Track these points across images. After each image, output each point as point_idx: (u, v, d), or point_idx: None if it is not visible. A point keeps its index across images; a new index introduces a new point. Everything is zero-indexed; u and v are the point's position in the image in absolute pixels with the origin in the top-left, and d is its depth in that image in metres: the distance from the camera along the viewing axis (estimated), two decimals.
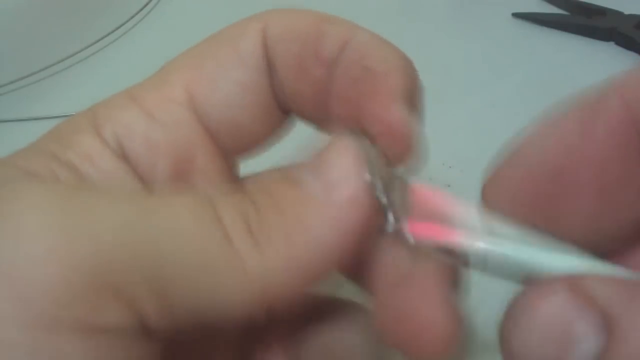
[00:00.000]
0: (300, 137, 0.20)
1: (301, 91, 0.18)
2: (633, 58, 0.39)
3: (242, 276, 0.14)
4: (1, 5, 0.50)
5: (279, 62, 0.18)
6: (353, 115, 0.17)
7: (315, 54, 0.18)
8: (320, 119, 0.19)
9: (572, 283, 0.13)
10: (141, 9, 0.49)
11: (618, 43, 0.41)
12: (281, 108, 0.19)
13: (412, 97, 0.17)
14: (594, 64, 0.39)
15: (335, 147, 0.16)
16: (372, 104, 0.17)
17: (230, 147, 0.19)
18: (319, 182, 0.16)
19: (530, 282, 0.14)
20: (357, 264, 0.17)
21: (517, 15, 0.44)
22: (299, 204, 0.15)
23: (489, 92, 0.38)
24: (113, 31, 0.47)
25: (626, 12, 0.42)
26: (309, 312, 0.19)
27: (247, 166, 0.20)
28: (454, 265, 0.16)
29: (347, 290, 0.19)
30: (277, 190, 0.16)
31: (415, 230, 0.16)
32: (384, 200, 0.16)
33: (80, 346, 0.13)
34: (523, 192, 0.15)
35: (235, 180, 0.20)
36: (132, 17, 0.48)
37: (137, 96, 0.18)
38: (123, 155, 0.17)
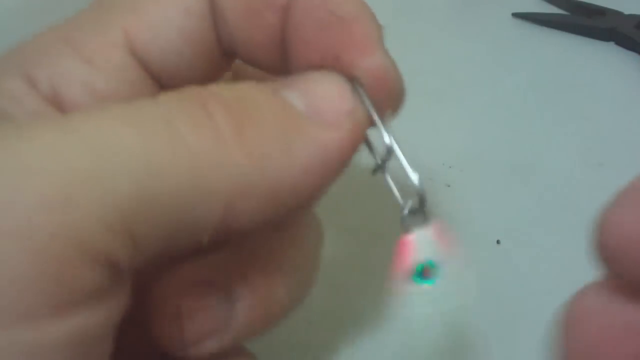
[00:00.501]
0: None
1: (252, 38, 0.18)
2: (633, 58, 0.39)
3: (197, 171, 0.13)
4: (1, 5, 0.50)
5: (228, 8, 0.17)
6: (326, 62, 0.17)
7: (267, 0, 0.17)
8: (272, 65, 0.18)
9: None
10: None
11: (618, 43, 0.41)
12: (226, 53, 0.18)
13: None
14: (594, 64, 0.39)
15: (321, 74, 0.16)
16: (352, 52, 0.16)
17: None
18: (303, 99, 0.15)
19: None
20: None
21: (517, 15, 0.44)
22: (280, 115, 0.15)
23: (489, 92, 0.38)
24: None
25: (626, 12, 0.42)
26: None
27: None
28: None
29: None
30: (255, 95, 0.15)
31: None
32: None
33: (56, 333, 0.12)
34: None
35: None
36: None
37: (72, 40, 0.17)
38: (58, 104, 0.16)
